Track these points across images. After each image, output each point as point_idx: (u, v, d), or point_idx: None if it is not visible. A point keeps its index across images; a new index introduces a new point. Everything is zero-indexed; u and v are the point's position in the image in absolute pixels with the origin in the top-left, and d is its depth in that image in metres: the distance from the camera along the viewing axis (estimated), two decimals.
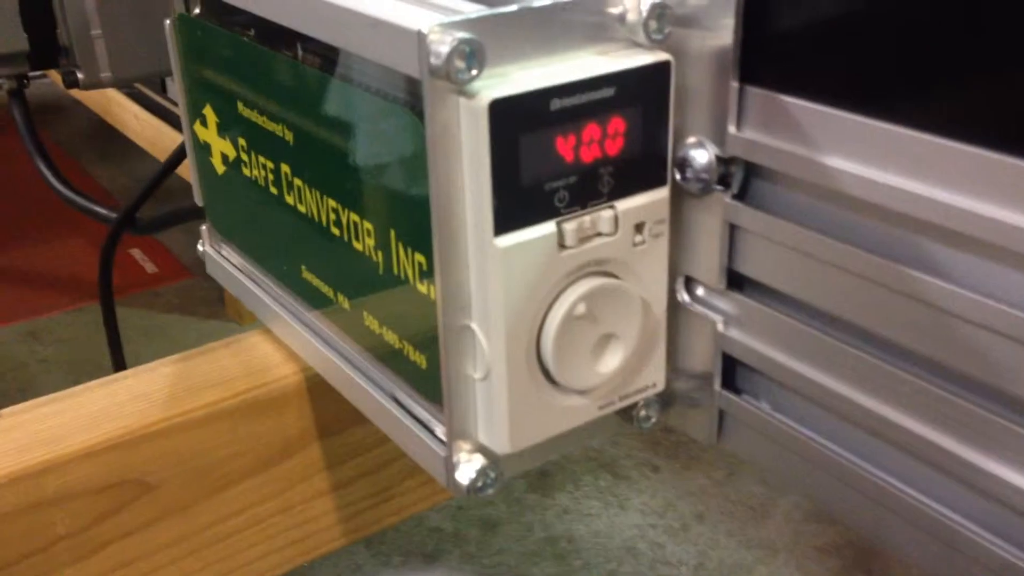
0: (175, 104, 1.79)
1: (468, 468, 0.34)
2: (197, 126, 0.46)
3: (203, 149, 0.46)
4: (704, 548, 1.44)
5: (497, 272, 0.31)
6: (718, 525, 1.48)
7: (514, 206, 0.31)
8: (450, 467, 0.34)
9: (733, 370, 0.37)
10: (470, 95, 0.29)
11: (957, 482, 0.31)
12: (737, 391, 0.37)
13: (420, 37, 0.29)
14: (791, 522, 1.48)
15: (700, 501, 1.52)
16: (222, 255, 0.48)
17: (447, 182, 0.31)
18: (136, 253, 2.04)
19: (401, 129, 0.32)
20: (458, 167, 0.31)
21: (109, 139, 2.28)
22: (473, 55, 0.29)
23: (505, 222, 0.31)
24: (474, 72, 0.29)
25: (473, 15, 0.29)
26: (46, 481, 0.39)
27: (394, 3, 0.32)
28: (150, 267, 2.00)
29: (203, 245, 0.49)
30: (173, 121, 1.82)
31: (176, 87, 0.46)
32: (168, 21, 0.44)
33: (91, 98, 1.95)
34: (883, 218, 0.31)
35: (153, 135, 1.93)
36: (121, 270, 1.99)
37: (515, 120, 0.30)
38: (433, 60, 0.29)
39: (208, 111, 0.44)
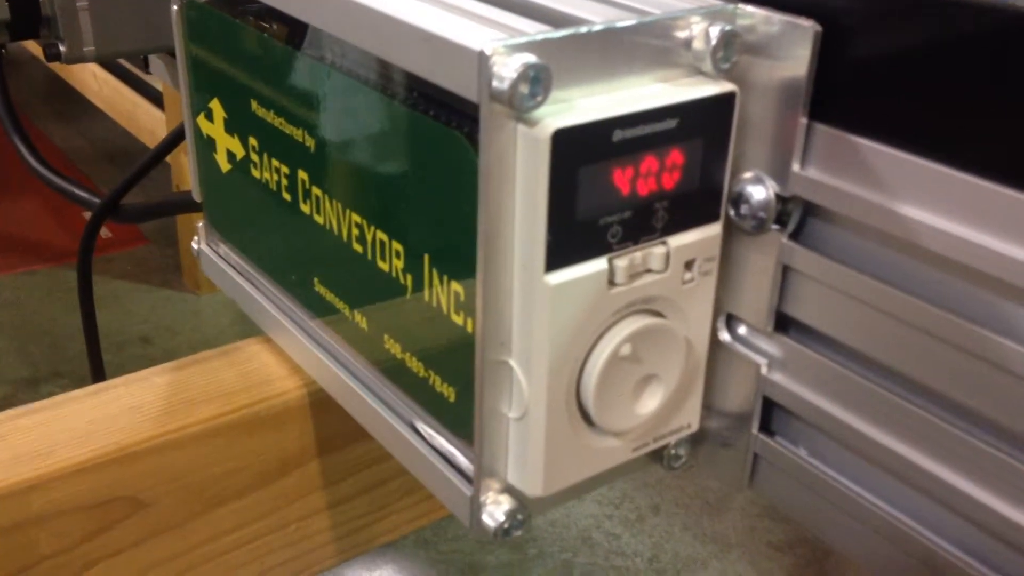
0: (136, 66, 1.73)
1: (496, 510, 0.32)
2: (201, 119, 0.43)
3: (206, 144, 0.43)
4: (659, 540, 1.44)
5: (544, 310, 0.29)
6: (673, 517, 1.48)
7: (567, 241, 0.29)
8: (476, 508, 0.32)
9: (769, 413, 0.35)
10: (531, 122, 0.27)
11: (1002, 543, 0.30)
12: (771, 434, 0.35)
13: (482, 58, 0.26)
14: (746, 517, 1.49)
15: (656, 493, 1.52)
16: (219, 255, 0.45)
17: (497, 213, 0.28)
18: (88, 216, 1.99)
19: (447, 152, 0.30)
20: (510, 198, 0.28)
21: (65, 97, 2.21)
22: (538, 80, 0.27)
23: (557, 258, 0.29)
24: (539, 99, 0.27)
25: (538, 36, 0.27)
26: (32, 498, 0.36)
27: (446, 14, 0.30)
28: (104, 231, 1.94)
29: (198, 243, 0.46)
30: (133, 83, 1.77)
31: (179, 75, 0.43)
32: (175, 6, 0.41)
33: None
34: (950, 270, 0.29)
35: (112, 95, 1.88)
36: (72, 233, 1.93)
37: (576, 151, 0.28)
38: (495, 84, 0.26)
39: (215, 105, 0.41)
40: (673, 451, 0.36)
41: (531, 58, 0.26)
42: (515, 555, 1.41)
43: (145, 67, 0.73)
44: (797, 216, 0.32)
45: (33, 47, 0.69)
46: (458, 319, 0.31)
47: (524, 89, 0.27)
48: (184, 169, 1.62)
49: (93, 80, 1.93)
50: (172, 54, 0.63)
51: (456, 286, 0.31)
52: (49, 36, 0.59)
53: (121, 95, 1.83)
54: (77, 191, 0.59)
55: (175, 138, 0.59)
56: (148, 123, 1.75)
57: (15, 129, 0.57)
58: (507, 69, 0.26)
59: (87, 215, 0.65)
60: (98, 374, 0.62)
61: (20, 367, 1.61)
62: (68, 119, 2.33)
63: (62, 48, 0.59)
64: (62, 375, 1.59)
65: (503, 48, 0.26)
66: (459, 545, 1.40)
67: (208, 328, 1.72)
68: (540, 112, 0.27)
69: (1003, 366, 0.28)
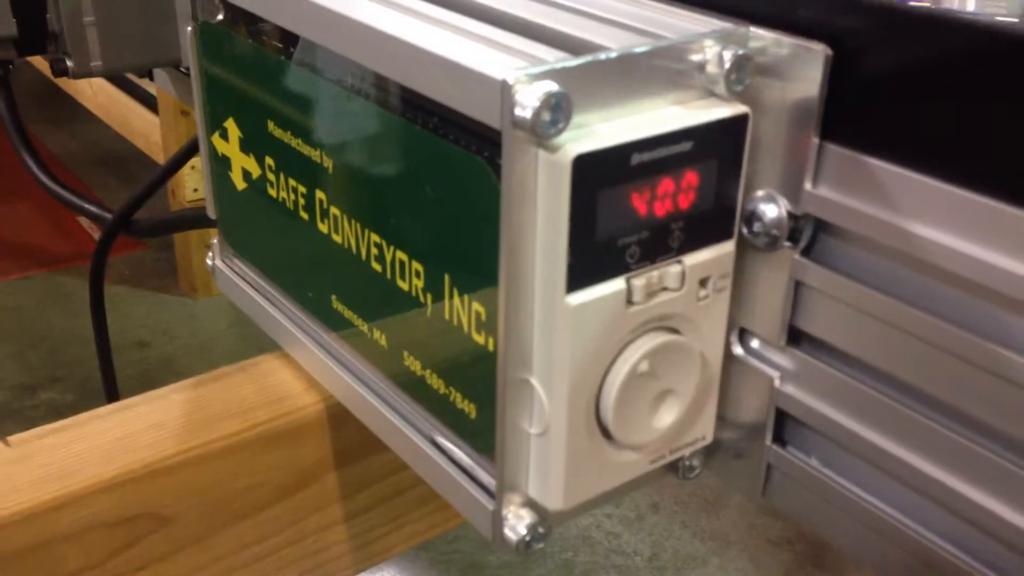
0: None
1: (518, 524, 0.33)
2: (216, 138, 0.43)
3: (221, 162, 0.44)
4: (659, 538, 1.45)
5: (565, 330, 0.30)
6: (673, 516, 1.49)
7: (587, 262, 0.30)
8: (498, 521, 0.33)
9: (782, 424, 0.36)
10: (552, 148, 0.28)
11: (1016, 553, 0.30)
12: (783, 445, 0.36)
13: (504, 87, 0.27)
14: (745, 514, 1.50)
15: (655, 491, 1.52)
16: (234, 271, 0.46)
17: (519, 236, 0.29)
18: (84, 220, 1.98)
19: (468, 176, 0.30)
20: (531, 221, 0.29)
21: (59, 100, 2.21)
22: (560, 108, 0.27)
23: (577, 279, 0.29)
24: (560, 126, 0.28)
25: (559, 64, 0.28)
26: (60, 516, 0.37)
27: (467, 41, 0.30)
28: (99, 235, 1.94)
29: (212, 259, 0.47)
30: (128, 87, 1.77)
31: (194, 95, 0.43)
32: (190, 27, 0.42)
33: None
34: (958, 286, 0.30)
35: (106, 101, 1.88)
36: (68, 238, 1.94)
37: (596, 175, 0.29)
38: (518, 112, 0.27)
39: (231, 125, 0.42)
40: (688, 462, 0.36)
41: (552, 86, 0.27)
42: (515, 555, 1.41)
43: (148, 75, 0.74)
44: (809, 233, 0.33)
45: None
46: (479, 338, 0.32)
47: (546, 117, 0.27)
48: (182, 175, 1.62)
49: (87, 84, 1.93)
50: (178, 68, 0.63)
51: (477, 306, 0.32)
52: (56, 52, 0.59)
53: (115, 99, 1.83)
54: (89, 206, 0.59)
55: (185, 153, 0.59)
56: (142, 127, 1.75)
57: (24, 145, 0.58)
58: (529, 97, 0.27)
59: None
60: (111, 388, 0.63)
61: (17, 373, 1.61)
62: (61, 122, 2.33)
63: (69, 64, 0.59)
64: (59, 380, 1.59)
65: (525, 77, 0.27)
66: (460, 545, 1.41)
67: (205, 332, 1.72)
68: (561, 138, 0.28)
69: (1009, 378, 0.29)
